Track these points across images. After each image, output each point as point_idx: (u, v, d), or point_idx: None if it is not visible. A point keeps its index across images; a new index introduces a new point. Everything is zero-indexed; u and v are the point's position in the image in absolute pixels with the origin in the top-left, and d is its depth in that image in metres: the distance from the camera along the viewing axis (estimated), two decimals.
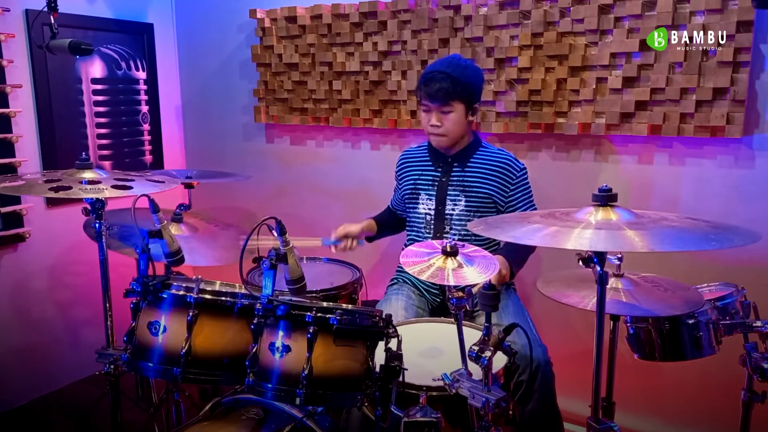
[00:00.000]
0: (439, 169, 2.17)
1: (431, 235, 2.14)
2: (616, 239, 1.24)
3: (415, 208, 2.20)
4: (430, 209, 2.16)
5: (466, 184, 2.12)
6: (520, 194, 2.13)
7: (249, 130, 3.25)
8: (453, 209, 2.13)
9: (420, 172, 2.21)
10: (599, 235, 1.25)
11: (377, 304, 2.17)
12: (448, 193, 2.14)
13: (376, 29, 2.67)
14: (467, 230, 2.07)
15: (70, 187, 1.74)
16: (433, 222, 2.15)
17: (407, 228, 2.28)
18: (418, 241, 2.15)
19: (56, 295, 2.92)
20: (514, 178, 2.12)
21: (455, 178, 2.14)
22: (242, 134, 3.28)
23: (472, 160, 2.15)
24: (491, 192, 2.11)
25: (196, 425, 1.51)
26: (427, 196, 2.17)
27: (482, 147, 2.18)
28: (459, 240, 2.07)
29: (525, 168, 2.16)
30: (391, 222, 2.41)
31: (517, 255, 2.07)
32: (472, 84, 2.06)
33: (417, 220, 2.20)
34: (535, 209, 2.14)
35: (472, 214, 2.11)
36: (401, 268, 2.26)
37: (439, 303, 2.16)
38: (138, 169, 3.18)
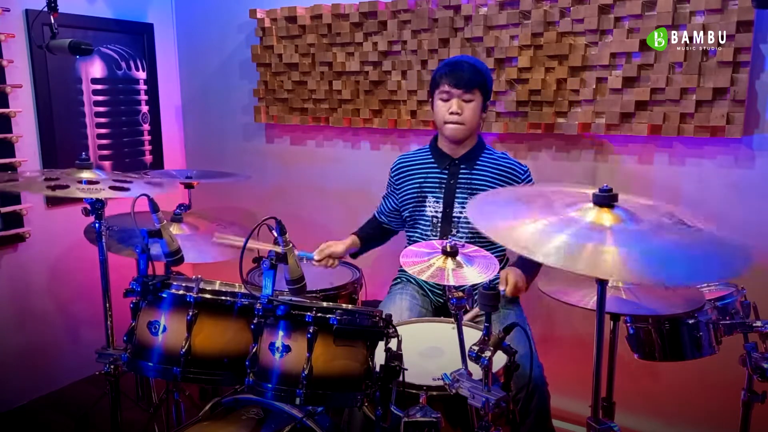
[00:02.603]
0: (446, 171, 2.15)
1: (437, 238, 2.12)
2: (588, 260, 1.15)
3: (422, 210, 2.17)
4: (437, 212, 2.14)
5: (474, 186, 2.12)
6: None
7: (249, 130, 3.25)
8: (461, 212, 2.11)
9: (425, 175, 2.19)
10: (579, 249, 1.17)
11: (381, 303, 2.18)
12: (456, 195, 2.12)
13: (376, 29, 2.67)
14: (474, 232, 2.07)
15: (67, 186, 1.74)
16: (440, 224, 2.14)
17: (410, 231, 2.24)
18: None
19: (56, 295, 2.92)
20: (520, 181, 2.14)
21: (463, 180, 2.13)
22: (242, 134, 3.28)
23: (478, 162, 2.14)
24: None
25: (196, 425, 1.51)
26: (434, 199, 2.15)
27: (486, 150, 2.18)
28: (466, 243, 2.07)
29: (529, 172, 2.17)
30: (376, 235, 2.35)
31: (531, 266, 2.01)
32: (490, 78, 2.13)
33: (423, 222, 2.18)
34: None
35: None
36: None
37: (443, 303, 2.15)
38: (138, 169, 3.18)
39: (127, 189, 1.79)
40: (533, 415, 1.84)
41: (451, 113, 2.05)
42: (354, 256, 2.35)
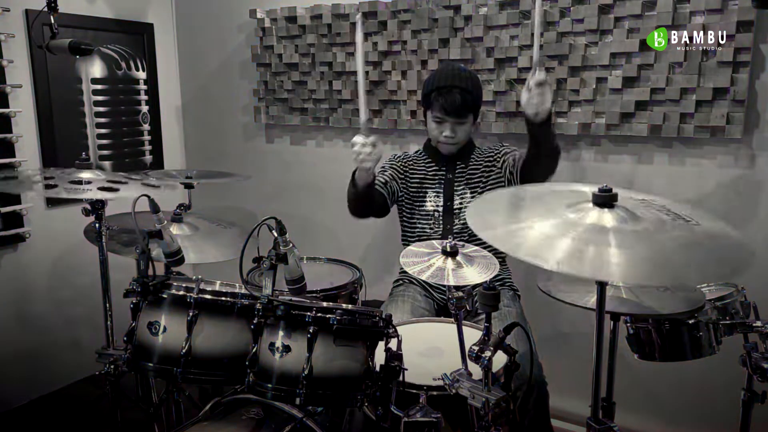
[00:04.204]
0: (444, 168, 2.24)
1: (441, 229, 2.19)
2: (595, 262, 1.13)
3: (422, 206, 2.23)
4: (438, 206, 2.21)
5: (469, 177, 2.22)
6: (508, 150, 2.23)
7: (249, 130, 3.25)
8: (460, 203, 2.20)
9: (425, 172, 2.26)
10: (581, 254, 1.14)
11: (383, 305, 2.19)
12: (455, 188, 2.21)
13: (376, 29, 2.67)
14: None
15: (55, 186, 1.73)
16: (441, 217, 2.20)
17: (409, 227, 2.27)
18: (425, 237, 2.20)
19: (56, 295, 2.92)
20: (499, 150, 2.24)
21: (459, 174, 2.22)
22: (242, 134, 3.28)
23: (471, 157, 2.25)
24: (489, 177, 2.21)
25: (196, 425, 1.50)
26: (434, 194, 2.23)
27: (476, 147, 2.30)
28: (467, 232, 2.10)
29: (505, 144, 2.30)
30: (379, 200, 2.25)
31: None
32: (480, 96, 2.20)
33: (423, 217, 2.23)
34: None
35: None
36: None
37: (447, 301, 2.16)
38: (138, 169, 3.18)
39: (117, 189, 1.77)
40: (532, 412, 1.84)
41: (446, 136, 2.15)
42: (366, 188, 2.14)
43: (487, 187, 2.20)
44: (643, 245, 1.18)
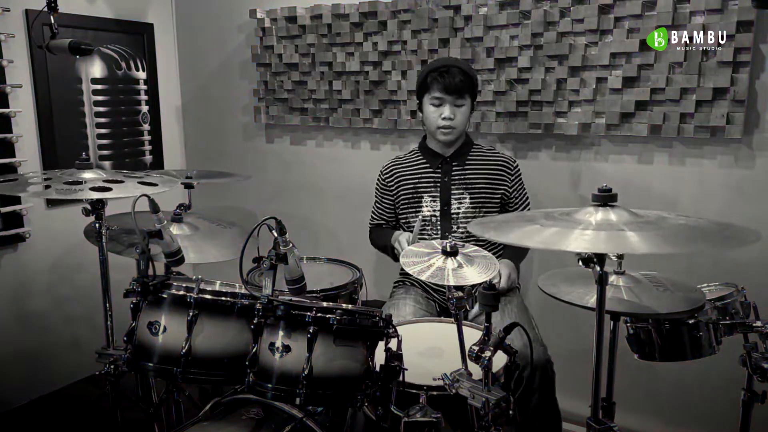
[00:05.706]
0: (439, 170, 2.19)
1: (439, 236, 2.16)
2: (616, 240, 1.23)
3: (419, 211, 2.19)
4: (435, 211, 2.17)
5: (468, 181, 2.16)
6: (519, 186, 2.22)
7: (249, 130, 3.25)
8: (459, 208, 2.15)
9: (419, 176, 2.21)
10: (599, 236, 1.25)
11: (384, 307, 2.18)
12: (452, 192, 2.16)
13: (376, 29, 2.67)
14: None
15: (48, 186, 1.73)
16: (439, 223, 2.16)
17: (409, 232, 2.25)
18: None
19: (56, 295, 2.92)
20: (512, 170, 2.21)
21: (456, 177, 2.17)
22: (242, 134, 3.28)
23: (469, 157, 2.19)
24: (494, 187, 2.17)
25: (196, 425, 1.50)
26: (430, 198, 2.18)
27: (475, 145, 2.24)
28: (466, 238, 2.09)
29: (518, 164, 2.25)
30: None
31: (520, 253, 2.19)
32: (476, 80, 2.17)
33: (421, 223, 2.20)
34: (529, 202, 2.26)
35: (477, 210, 2.15)
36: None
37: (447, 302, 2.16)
38: (138, 169, 3.18)
39: (109, 189, 1.77)
40: (537, 393, 1.85)
41: (444, 118, 2.09)
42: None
43: (488, 193, 2.16)
44: (652, 228, 1.28)
